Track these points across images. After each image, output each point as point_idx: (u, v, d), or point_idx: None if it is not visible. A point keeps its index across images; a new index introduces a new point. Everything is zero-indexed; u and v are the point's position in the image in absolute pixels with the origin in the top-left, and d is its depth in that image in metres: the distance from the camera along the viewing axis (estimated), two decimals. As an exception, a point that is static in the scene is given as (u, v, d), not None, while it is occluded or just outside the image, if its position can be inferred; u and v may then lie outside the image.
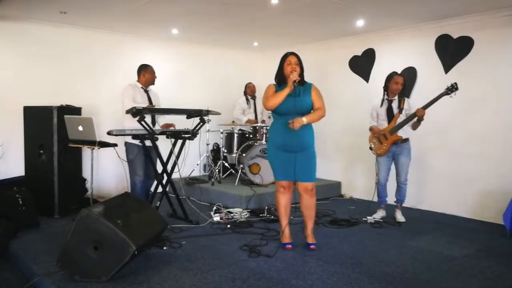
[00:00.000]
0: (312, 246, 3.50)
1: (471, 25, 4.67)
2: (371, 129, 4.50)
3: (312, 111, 3.44)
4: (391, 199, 4.64)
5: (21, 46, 5.04)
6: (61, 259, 2.80)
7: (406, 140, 4.40)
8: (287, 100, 3.34)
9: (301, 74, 3.42)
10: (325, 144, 5.88)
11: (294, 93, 3.38)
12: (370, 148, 4.54)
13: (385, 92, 4.41)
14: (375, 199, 4.71)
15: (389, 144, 4.36)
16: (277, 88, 3.46)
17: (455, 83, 4.11)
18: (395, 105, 4.38)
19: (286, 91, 3.30)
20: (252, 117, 6.34)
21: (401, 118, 4.31)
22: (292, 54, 3.43)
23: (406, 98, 4.42)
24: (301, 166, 3.40)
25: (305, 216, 3.56)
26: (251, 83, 6.44)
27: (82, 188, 4.97)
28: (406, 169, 4.43)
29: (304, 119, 3.32)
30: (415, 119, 4.21)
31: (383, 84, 4.44)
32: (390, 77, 4.36)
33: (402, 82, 4.32)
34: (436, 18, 4.83)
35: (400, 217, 4.54)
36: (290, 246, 3.51)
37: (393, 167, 4.53)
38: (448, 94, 4.13)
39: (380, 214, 4.64)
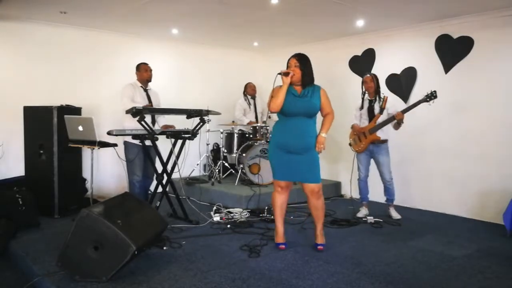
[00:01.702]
0: (319, 247, 3.49)
1: (471, 25, 4.67)
2: (352, 126, 4.65)
3: (318, 113, 3.47)
4: (381, 198, 4.71)
5: (21, 46, 5.04)
6: (61, 259, 2.79)
7: (385, 141, 4.50)
8: (295, 102, 3.34)
9: (304, 76, 3.37)
10: (325, 144, 5.87)
11: (302, 94, 3.39)
12: (350, 144, 4.69)
13: (365, 94, 4.57)
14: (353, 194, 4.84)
15: (367, 142, 4.48)
16: None
17: (435, 91, 4.25)
18: (376, 104, 4.48)
19: (282, 90, 3.29)
20: (253, 117, 6.34)
21: (382, 117, 4.42)
22: (293, 56, 3.41)
23: (388, 97, 4.50)
24: (305, 168, 3.39)
25: (314, 217, 3.57)
26: (251, 83, 6.43)
27: (82, 188, 4.96)
28: (388, 168, 4.51)
29: (324, 135, 3.41)
30: (394, 121, 4.32)
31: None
32: (362, 79, 4.58)
33: (371, 79, 4.48)
34: (436, 18, 4.83)
35: (395, 214, 4.60)
36: (283, 246, 3.51)
37: (375, 168, 4.61)
38: (427, 101, 4.28)
39: (363, 212, 4.69)
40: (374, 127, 4.41)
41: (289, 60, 3.43)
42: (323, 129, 3.45)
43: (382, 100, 4.44)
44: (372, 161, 4.64)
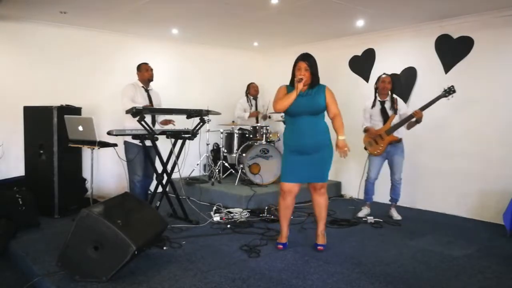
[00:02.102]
0: (319, 247, 3.49)
1: (471, 25, 4.67)
2: (366, 129, 4.54)
3: (324, 112, 3.45)
4: (381, 198, 4.70)
5: (21, 46, 5.04)
6: (61, 259, 2.80)
7: (400, 140, 4.47)
8: (299, 101, 3.32)
9: (313, 78, 3.37)
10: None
11: (306, 93, 3.38)
12: (365, 149, 4.61)
13: (376, 93, 4.51)
14: (361, 196, 4.80)
15: (385, 144, 4.43)
16: (289, 88, 3.42)
17: (452, 86, 4.21)
18: (387, 105, 4.45)
19: (293, 95, 3.29)
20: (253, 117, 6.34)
21: (395, 118, 4.40)
22: (302, 59, 3.36)
23: (398, 98, 4.49)
24: (313, 167, 3.39)
25: (316, 215, 3.56)
26: (254, 83, 6.41)
27: (82, 188, 4.96)
28: (400, 168, 4.50)
29: (342, 138, 3.40)
30: (413, 119, 4.27)
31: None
32: (378, 78, 4.50)
33: (389, 81, 4.42)
34: (436, 18, 4.83)
35: (396, 215, 4.61)
36: (281, 246, 3.50)
37: (386, 166, 4.59)
38: (446, 96, 4.25)
39: (365, 211, 4.69)
40: (391, 128, 4.37)
41: (297, 62, 3.38)
42: (339, 132, 3.42)
43: (392, 101, 4.42)
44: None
